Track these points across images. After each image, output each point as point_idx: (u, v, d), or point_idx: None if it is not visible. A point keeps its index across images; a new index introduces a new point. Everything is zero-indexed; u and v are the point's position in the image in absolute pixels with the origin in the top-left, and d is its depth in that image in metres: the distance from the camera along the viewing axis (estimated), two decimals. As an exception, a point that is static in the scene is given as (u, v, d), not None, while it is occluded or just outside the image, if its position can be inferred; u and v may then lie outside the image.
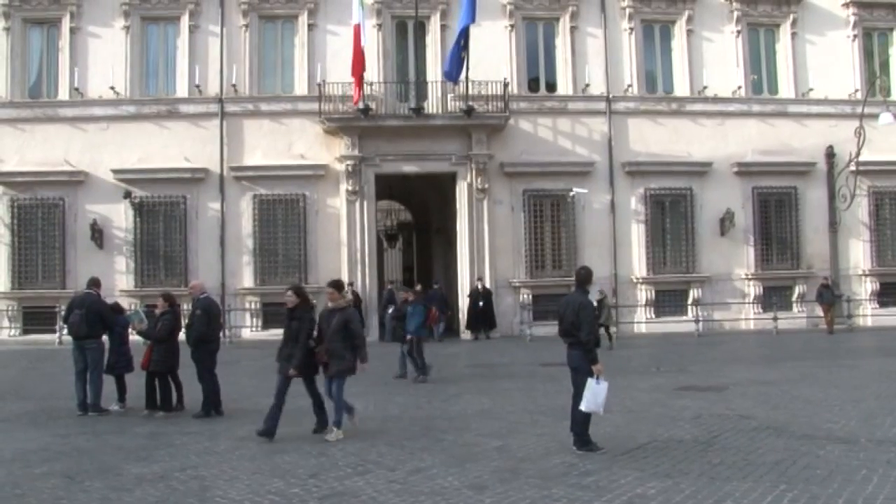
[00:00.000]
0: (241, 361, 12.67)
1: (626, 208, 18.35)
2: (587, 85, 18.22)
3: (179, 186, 17.31)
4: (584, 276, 6.29)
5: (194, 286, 8.63)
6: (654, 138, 18.49)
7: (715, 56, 18.71)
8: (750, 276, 18.49)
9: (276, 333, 16.49)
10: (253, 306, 17.43)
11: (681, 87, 18.81)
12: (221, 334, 8.69)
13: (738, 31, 18.90)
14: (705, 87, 18.55)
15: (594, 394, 5.89)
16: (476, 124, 17.57)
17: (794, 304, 18.62)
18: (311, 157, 17.73)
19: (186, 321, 8.25)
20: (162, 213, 17.31)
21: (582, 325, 5.97)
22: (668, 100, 18.73)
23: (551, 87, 18.70)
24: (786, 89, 19.05)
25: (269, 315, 17.27)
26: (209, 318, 8.10)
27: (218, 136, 17.44)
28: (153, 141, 17.36)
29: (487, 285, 17.50)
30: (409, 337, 10.63)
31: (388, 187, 21.13)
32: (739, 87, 18.76)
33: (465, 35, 16.32)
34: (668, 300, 18.47)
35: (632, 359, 13.17)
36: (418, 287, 18.24)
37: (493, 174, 17.95)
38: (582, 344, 5.95)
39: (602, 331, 13.26)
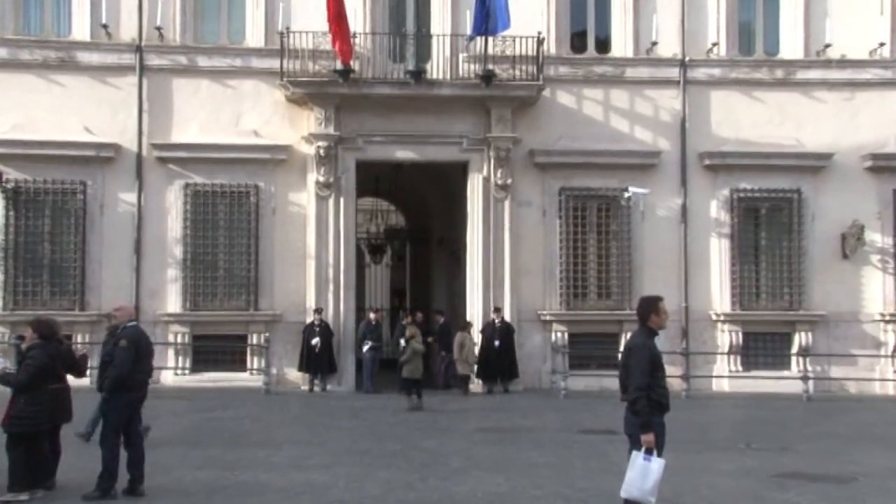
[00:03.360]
0: (160, 418, 12.64)
1: (703, 216, 18.41)
2: (654, 44, 18.34)
3: (76, 168, 17.27)
4: (642, 308, 6.43)
5: (122, 309, 8.72)
6: (747, 119, 18.54)
7: (844, 1, 18.71)
8: (889, 318, 18.39)
9: (214, 379, 17.07)
10: (180, 340, 17.49)
11: (790, 47, 18.81)
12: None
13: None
14: (827, 46, 18.51)
15: (641, 474, 5.95)
16: (497, 96, 17.66)
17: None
18: (269, 135, 17.86)
19: (101, 357, 8.22)
20: (49, 205, 17.24)
21: (630, 376, 6.08)
22: (770, 64, 18.78)
23: (603, 45, 18.86)
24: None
25: (203, 353, 17.36)
26: (137, 355, 8.15)
27: (135, 99, 17.55)
28: (37, 102, 17.31)
29: (507, 318, 17.54)
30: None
31: (375, 180, 21.23)
32: (881, 46, 18.68)
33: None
34: (763, 347, 18.45)
35: (710, 428, 13.19)
36: (419, 316, 18.53)
37: (520, 165, 18.02)
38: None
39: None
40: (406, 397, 14.62)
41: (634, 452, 6.04)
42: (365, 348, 17.59)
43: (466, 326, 17.32)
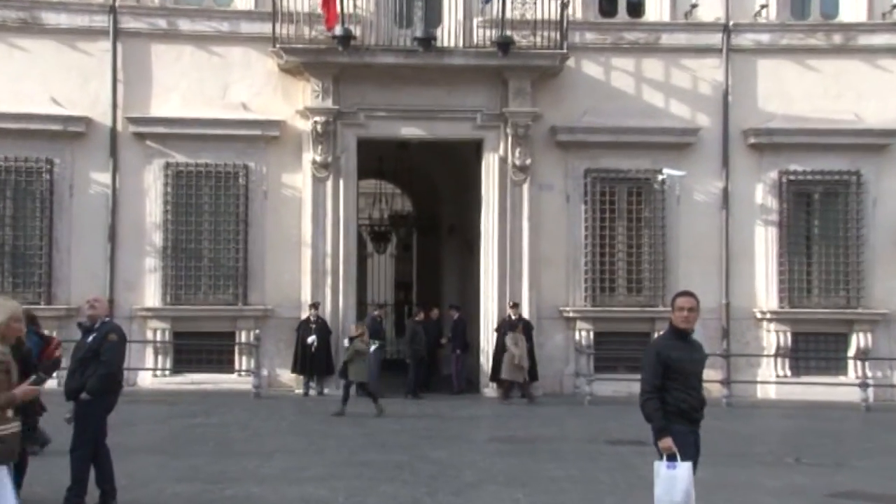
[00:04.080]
0: (137, 425, 12.77)
1: (747, 201, 18.41)
2: (694, 6, 18.31)
3: (42, 145, 17.32)
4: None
5: (101, 301, 8.71)
6: (799, 91, 18.45)
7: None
8: (961, 317, 18.29)
9: (197, 381, 17.16)
10: (159, 337, 17.60)
11: (851, 8, 18.71)
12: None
13: None
14: (895, 8, 18.39)
15: (667, 486, 6.02)
16: (516, 66, 17.65)
17: None
18: (259, 109, 17.92)
19: (79, 354, 8.13)
20: (11, 185, 17.33)
21: (643, 375, 6.31)
22: (827, 29, 18.67)
23: (635, 9, 18.84)
24: None
25: (186, 352, 17.50)
26: (123, 351, 8.23)
27: (108, 67, 17.60)
28: (-5, 68, 17.48)
29: (526, 315, 17.58)
30: None
31: (378, 160, 21.32)
32: (960, 6, 18.31)
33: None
34: (815, 349, 18.48)
35: (754, 440, 13.20)
36: (434, 312, 18.60)
37: (541, 144, 18.08)
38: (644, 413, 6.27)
39: None
40: (342, 403, 14.58)
41: (657, 463, 6.11)
42: (372, 348, 17.67)
43: (515, 325, 16.87)
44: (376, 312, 18.69)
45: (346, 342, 15.49)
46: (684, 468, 6.01)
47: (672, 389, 6.20)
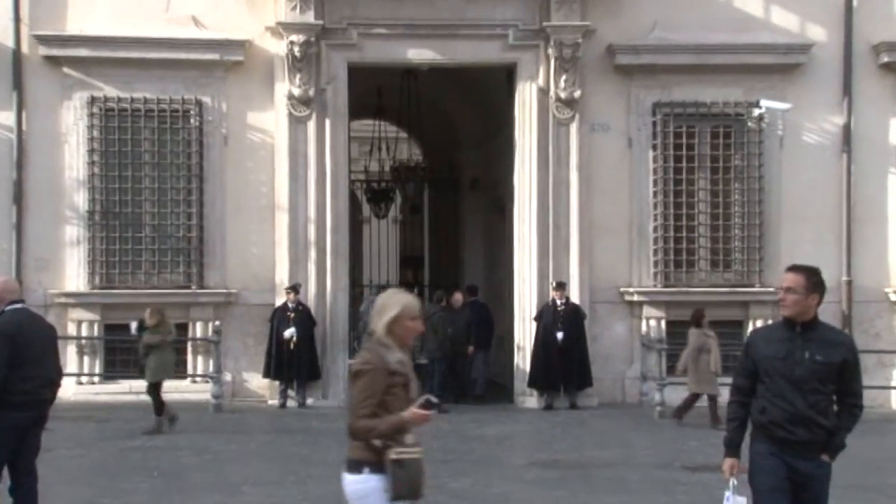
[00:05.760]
0: (54, 449, 12.77)
1: (878, 144, 18.40)
2: None
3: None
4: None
5: (6, 282, 8.75)
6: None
7: None
8: None
9: (137, 389, 17.09)
10: (85, 332, 17.70)
11: None
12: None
13: None
14: None
15: None
16: (561, -38, 17.72)
17: None
18: (216, 25, 17.94)
19: None
20: None
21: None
22: None
23: None
24: None
25: (121, 351, 17.51)
26: (20, 353, 8.14)
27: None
28: None
29: (575, 299, 17.62)
30: None
31: (376, 93, 21.31)
32: None
33: None
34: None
35: (887, 466, 13.13)
36: (457, 297, 18.58)
37: (593, 70, 18.11)
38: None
39: None
40: (156, 413, 14.73)
41: (726, 493, 6.28)
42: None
43: (699, 317, 16.31)
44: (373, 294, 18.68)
45: (133, 329, 15.40)
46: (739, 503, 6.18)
47: (759, 395, 6.31)
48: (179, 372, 17.60)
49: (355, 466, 5.42)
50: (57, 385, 8.73)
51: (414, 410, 5.43)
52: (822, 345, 6.30)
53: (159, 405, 14.79)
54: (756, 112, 17.93)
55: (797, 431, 6.18)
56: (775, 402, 6.20)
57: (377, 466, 5.32)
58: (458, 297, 18.84)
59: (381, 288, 19.91)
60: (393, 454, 5.28)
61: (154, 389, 14.84)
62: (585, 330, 17.46)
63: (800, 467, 6.19)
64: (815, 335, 6.31)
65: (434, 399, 5.71)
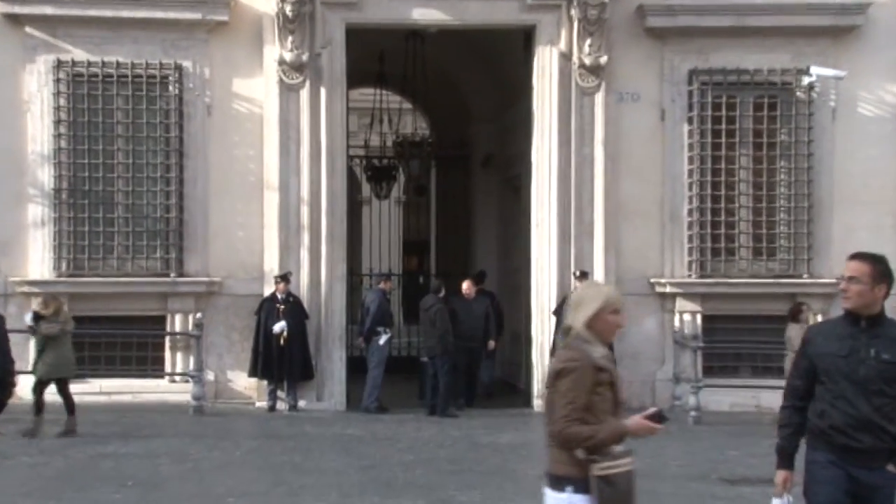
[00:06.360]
0: (15, 457, 12.79)
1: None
2: None
3: None
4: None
5: None
6: None
7: None
8: None
9: (109, 390, 17.15)
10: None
11: None
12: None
13: None
14: None
15: None
16: None
17: None
18: (196, -19, 18.00)
19: None
20: None
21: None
22: None
23: None
24: None
25: (92, 347, 17.55)
26: None
27: None
28: None
29: (600, 289, 17.54)
30: None
31: (378, 58, 21.35)
32: None
33: None
34: None
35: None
36: (466, 285, 18.64)
37: (622, 33, 18.23)
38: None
39: None
40: (34, 413, 14.75)
41: (774, 501, 6.31)
42: (382, 340, 17.69)
43: (797, 312, 16.40)
44: (382, 285, 18.64)
45: (27, 320, 15.30)
46: None
47: (817, 397, 6.23)
48: (156, 369, 17.78)
49: (557, 483, 5.34)
50: (10, 384, 8.61)
51: (640, 420, 5.37)
52: (889, 342, 6.22)
53: (41, 405, 14.74)
54: (805, 80, 17.86)
55: (861, 438, 6.08)
56: (836, 405, 6.11)
57: (582, 485, 5.21)
58: (467, 286, 18.77)
59: (385, 277, 19.84)
60: (598, 470, 5.16)
61: (40, 388, 14.80)
62: (611, 325, 17.42)
63: (862, 478, 6.07)
64: (882, 331, 6.23)
65: (667, 415, 5.67)
